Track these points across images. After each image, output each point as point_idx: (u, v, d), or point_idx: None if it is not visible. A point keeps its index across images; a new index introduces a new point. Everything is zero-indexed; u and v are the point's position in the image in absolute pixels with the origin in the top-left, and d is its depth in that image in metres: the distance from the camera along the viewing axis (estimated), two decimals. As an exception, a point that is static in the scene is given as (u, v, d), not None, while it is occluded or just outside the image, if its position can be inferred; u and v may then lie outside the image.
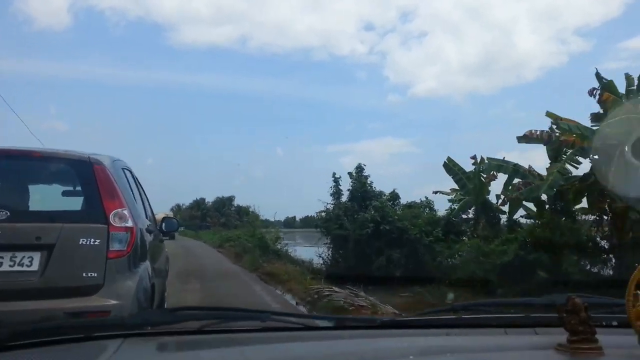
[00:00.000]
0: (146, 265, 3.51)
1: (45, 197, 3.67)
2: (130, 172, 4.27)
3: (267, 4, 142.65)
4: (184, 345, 1.25)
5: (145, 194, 4.77)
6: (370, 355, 1.15)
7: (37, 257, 2.94)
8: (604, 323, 1.26)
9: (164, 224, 4.93)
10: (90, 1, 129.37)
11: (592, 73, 12.30)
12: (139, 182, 4.58)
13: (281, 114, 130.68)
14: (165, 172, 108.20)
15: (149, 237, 3.85)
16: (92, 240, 3.02)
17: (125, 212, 3.20)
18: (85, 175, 3.25)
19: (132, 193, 3.83)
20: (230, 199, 78.02)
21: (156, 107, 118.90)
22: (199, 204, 79.56)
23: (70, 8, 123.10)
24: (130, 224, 3.21)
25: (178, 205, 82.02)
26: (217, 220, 71.96)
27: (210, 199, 78.95)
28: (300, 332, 1.33)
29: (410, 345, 1.22)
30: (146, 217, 4.28)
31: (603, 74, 12.15)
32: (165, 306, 4.65)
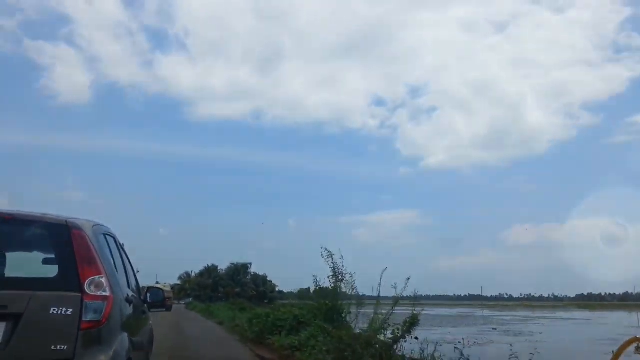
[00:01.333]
0: (124, 337, 3.50)
1: (17, 262, 3.69)
2: (114, 238, 4.40)
3: (281, 81, 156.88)
4: None
5: (130, 262, 4.89)
6: None
7: (1, 327, 2.95)
8: None
9: (148, 295, 5.04)
10: (111, 78, 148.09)
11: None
12: (123, 250, 4.70)
13: (293, 186, 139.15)
14: (176, 241, 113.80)
15: (128, 308, 3.88)
16: (64, 309, 3.02)
17: (103, 280, 3.23)
18: (62, 240, 3.30)
19: (113, 260, 3.92)
20: (246, 266, 75.25)
21: (170, 179, 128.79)
22: (210, 271, 77.14)
23: (92, 84, 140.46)
24: (107, 292, 3.23)
25: (187, 273, 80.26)
26: (232, 289, 69.56)
27: (222, 266, 77.36)
28: None
29: None
30: (128, 287, 4.36)
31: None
32: None
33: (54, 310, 3.03)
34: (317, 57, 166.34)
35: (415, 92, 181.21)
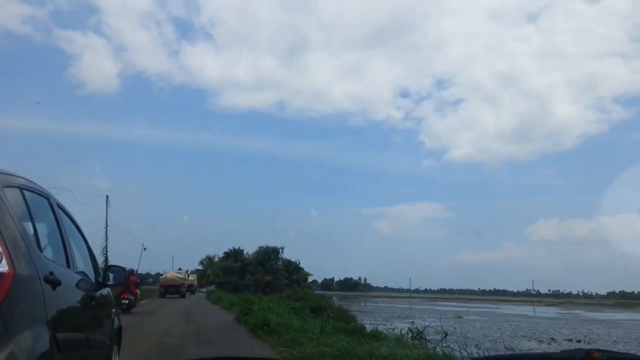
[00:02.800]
0: (36, 333, 2.61)
1: None
2: (48, 199, 3.56)
3: (306, 71, 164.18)
4: None
5: (82, 234, 4.10)
6: None
7: None
8: None
9: (110, 275, 4.26)
10: (138, 68, 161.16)
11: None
12: (68, 216, 3.91)
13: (316, 177, 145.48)
14: (198, 228, 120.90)
15: (52, 292, 3.05)
16: None
17: None
18: None
19: (34, 226, 3.10)
20: (277, 250, 72.13)
21: (194, 168, 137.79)
22: (236, 254, 72.79)
23: (119, 74, 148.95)
24: (2, 267, 2.42)
25: (209, 257, 78.29)
26: (262, 277, 66.72)
27: (249, 250, 73.75)
28: None
29: None
30: (68, 265, 3.54)
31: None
32: None
33: None
34: (342, 48, 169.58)
35: (441, 83, 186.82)
